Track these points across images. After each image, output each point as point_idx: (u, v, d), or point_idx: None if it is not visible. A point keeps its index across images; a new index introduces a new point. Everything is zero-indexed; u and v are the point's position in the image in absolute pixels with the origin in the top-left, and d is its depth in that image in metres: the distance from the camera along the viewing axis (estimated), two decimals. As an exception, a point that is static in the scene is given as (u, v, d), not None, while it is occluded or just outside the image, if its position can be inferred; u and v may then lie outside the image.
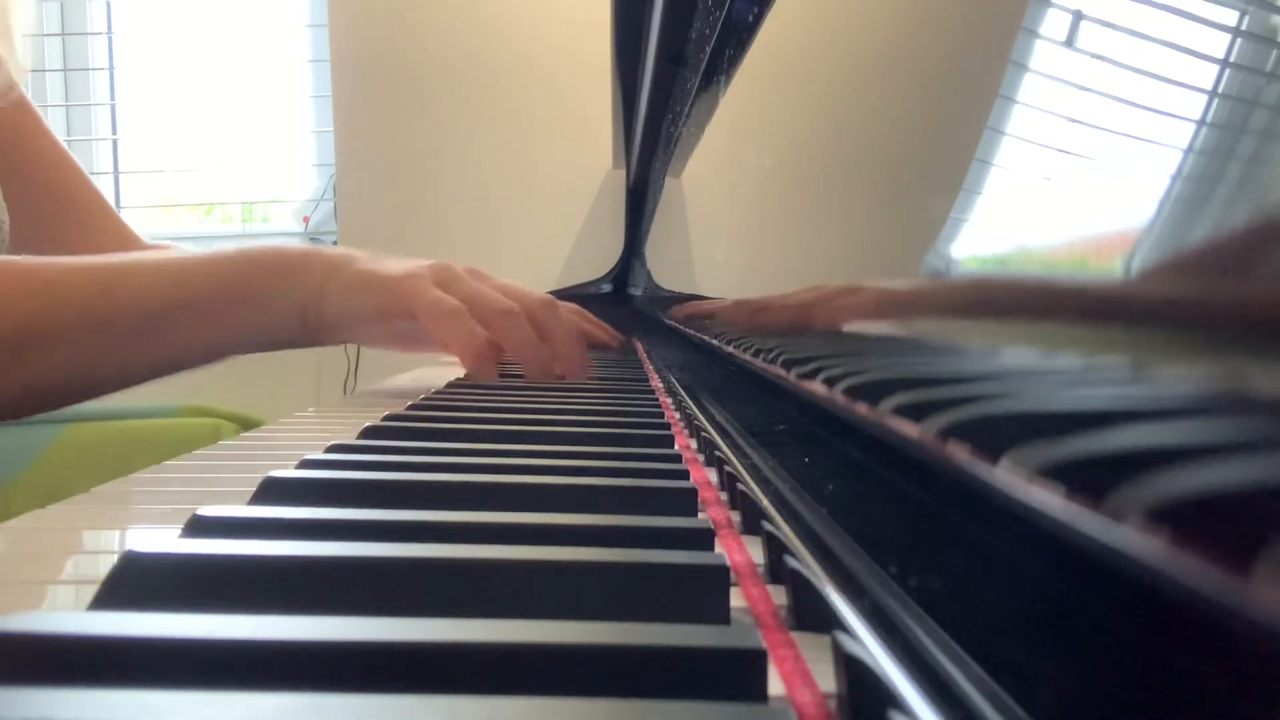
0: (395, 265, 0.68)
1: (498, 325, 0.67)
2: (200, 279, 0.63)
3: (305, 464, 0.34)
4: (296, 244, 0.70)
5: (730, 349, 0.50)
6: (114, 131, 2.03)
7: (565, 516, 0.27)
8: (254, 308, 0.64)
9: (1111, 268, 0.16)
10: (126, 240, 0.92)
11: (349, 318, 0.66)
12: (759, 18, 0.56)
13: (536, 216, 1.78)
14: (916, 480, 0.24)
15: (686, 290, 0.81)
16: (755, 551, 0.29)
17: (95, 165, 2.02)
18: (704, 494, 0.36)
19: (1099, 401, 0.15)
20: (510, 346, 0.68)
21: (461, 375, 0.74)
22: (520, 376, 0.72)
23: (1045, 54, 0.19)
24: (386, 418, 0.46)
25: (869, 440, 0.28)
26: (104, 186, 2.01)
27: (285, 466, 0.33)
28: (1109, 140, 0.16)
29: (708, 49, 0.73)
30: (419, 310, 0.65)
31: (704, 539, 0.25)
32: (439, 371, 0.96)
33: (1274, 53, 0.13)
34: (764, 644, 0.17)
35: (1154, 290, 0.14)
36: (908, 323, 0.25)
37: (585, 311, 1.02)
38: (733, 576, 0.26)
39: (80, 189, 0.90)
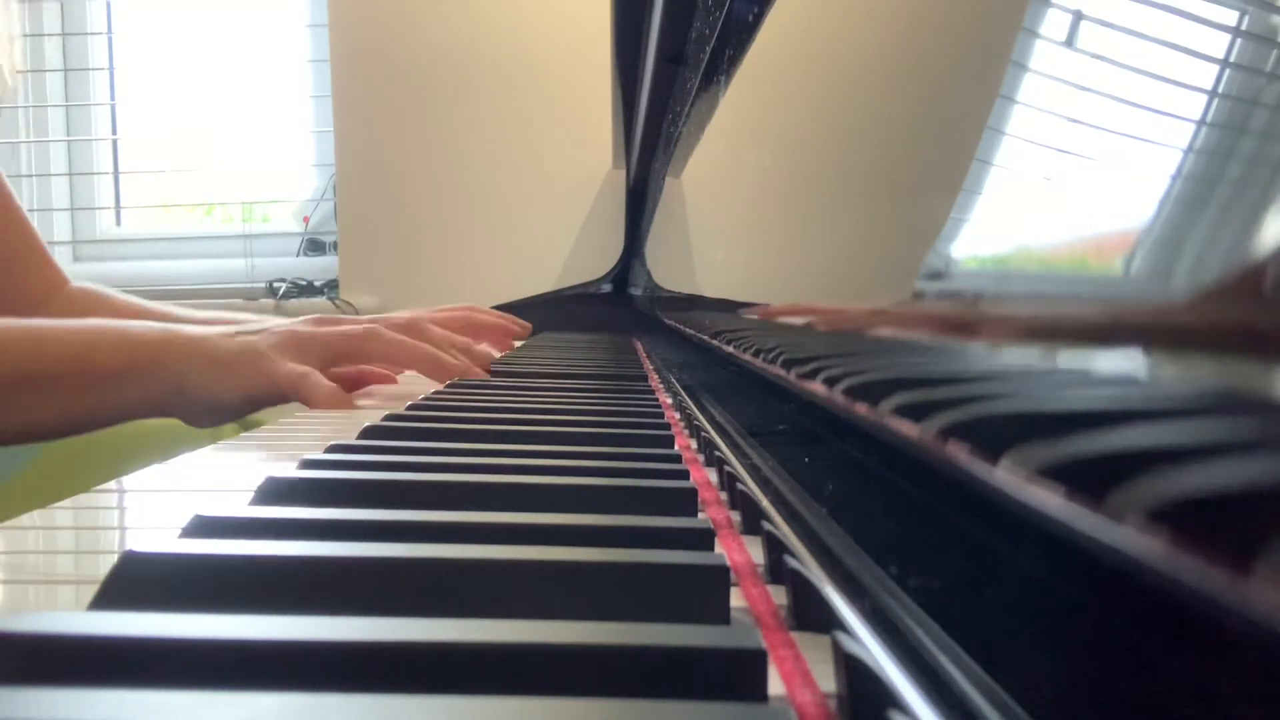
0: (249, 344, 0.68)
1: (371, 351, 0.70)
2: (48, 354, 0.64)
3: (305, 464, 0.34)
4: (160, 327, 0.68)
5: (730, 349, 0.50)
6: (114, 131, 2.03)
7: (565, 516, 0.27)
8: (103, 389, 0.64)
9: (1111, 268, 0.16)
10: (53, 281, 0.91)
11: (216, 408, 0.67)
12: (759, 18, 0.56)
13: (536, 216, 1.78)
14: (916, 480, 0.24)
15: (686, 290, 0.81)
16: (755, 551, 0.29)
17: (95, 165, 2.02)
18: (704, 494, 0.36)
19: (1099, 401, 0.15)
20: (398, 360, 0.71)
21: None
22: (520, 375, 0.72)
23: (1045, 54, 0.19)
24: (386, 418, 0.46)
25: (869, 440, 0.28)
26: (104, 186, 2.01)
27: (285, 466, 0.33)
28: (1109, 140, 0.16)
29: (708, 49, 0.73)
30: (276, 389, 0.66)
31: (704, 539, 0.25)
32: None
33: (1274, 53, 0.13)
34: (764, 644, 0.17)
35: (1154, 290, 0.14)
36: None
37: (477, 307, 1.04)
38: (733, 576, 0.26)
39: (10, 226, 0.89)
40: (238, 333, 0.69)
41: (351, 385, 0.76)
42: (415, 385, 0.77)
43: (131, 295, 0.94)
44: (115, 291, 0.94)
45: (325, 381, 0.68)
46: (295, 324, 0.71)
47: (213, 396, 0.66)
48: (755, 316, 0.45)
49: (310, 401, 0.67)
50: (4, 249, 0.88)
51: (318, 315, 0.73)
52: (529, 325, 1.11)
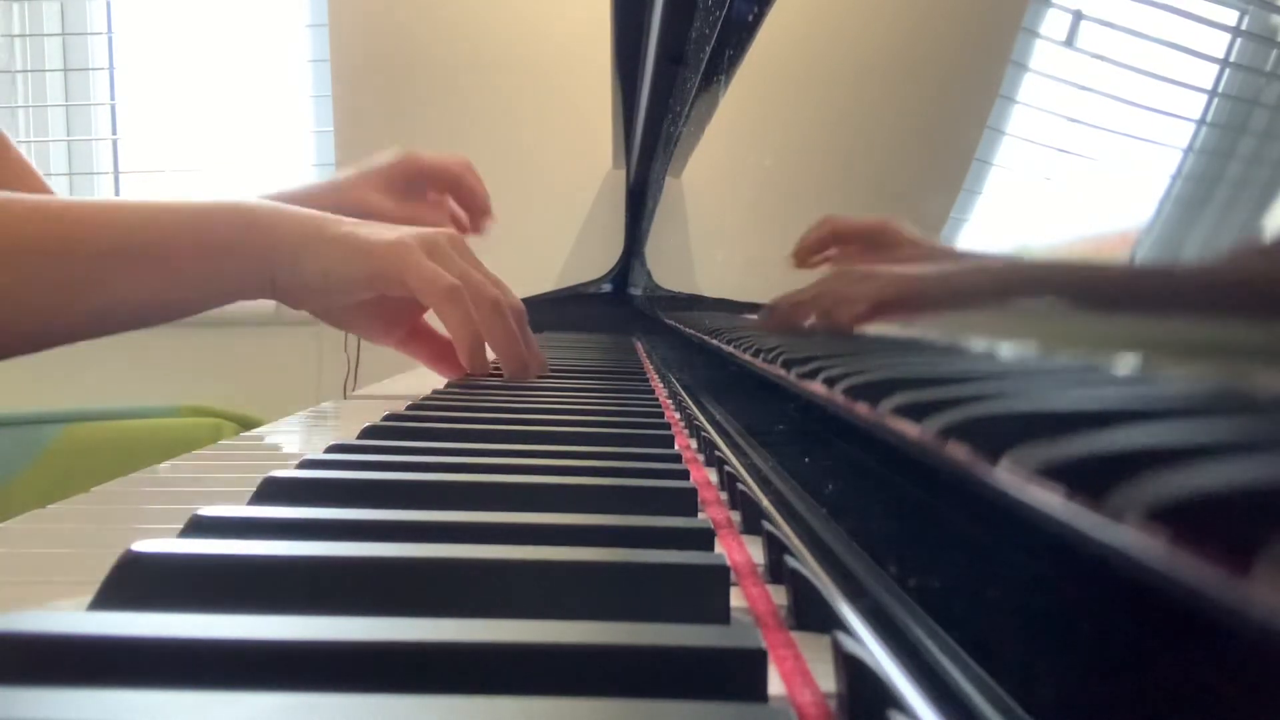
0: (380, 230, 0.63)
1: (484, 314, 0.64)
2: (161, 222, 0.59)
3: (305, 464, 0.34)
4: (279, 205, 0.63)
5: (730, 349, 0.50)
6: (114, 131, 2.03)
7: (565, 516, 0.27)
8: (217, 259, 0.60)
9: (1111, 267, 0.16)
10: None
11: (331, 281, 0.61)
12: (759, 18, 0.56)
13: (536, 216, 1.78)
14: (916, 480, 0.24)
15: (686, 290, 0.81)
16: (755, 551, 0.29)
17: (95, 165, 2.02)
18: (704, 494, 0.36)
19: (1099, 401, 0.15)
20: (493, 340, 0.65)
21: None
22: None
23: (1045, 54, 0.19)
24: (386, 418, 0.46)
25: (869, 440, 0.28)
26: (104, 186, 2.02)
27: (285, 466, 0.33)
28: (1109, 140, 0.16)
29: (708, 49, 0.73)
30: (415, 282, 0.61)
31: (704, 539, 0.25)
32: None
33: (1274, 53, 0.13)
34: (764, 644, 0.17)
35: (1154, 290, 0.14)
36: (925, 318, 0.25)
37: (460, 176, 1.00)
38: (733, 576, 0.26)
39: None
40: (361, 223, 0.64)
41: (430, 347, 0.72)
42: (414, 386, 0.77)
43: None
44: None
45: (474, 313, 0.62)
46: (433, 230, 0.65)
47: (331, 269, 0.61)
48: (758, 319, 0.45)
49: (448, 319, 0.61)
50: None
51: (451, 234, 0.66)
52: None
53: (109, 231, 0.57)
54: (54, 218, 0.56)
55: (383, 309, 0.68)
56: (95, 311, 0.58)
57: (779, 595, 0.24)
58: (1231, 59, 0.13)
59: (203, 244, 0.59)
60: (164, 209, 0.60)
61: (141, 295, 0.59)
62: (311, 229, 0.62)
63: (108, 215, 0.58)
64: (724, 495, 0.37)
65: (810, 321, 0.35)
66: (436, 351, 0.73)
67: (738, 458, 0.41)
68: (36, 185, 0.82)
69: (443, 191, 0.90)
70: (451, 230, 0.67)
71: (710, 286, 0.68)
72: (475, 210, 1.00)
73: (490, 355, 0.67)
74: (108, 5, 2.01)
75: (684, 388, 0.71)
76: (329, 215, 0.64)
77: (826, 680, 0.19)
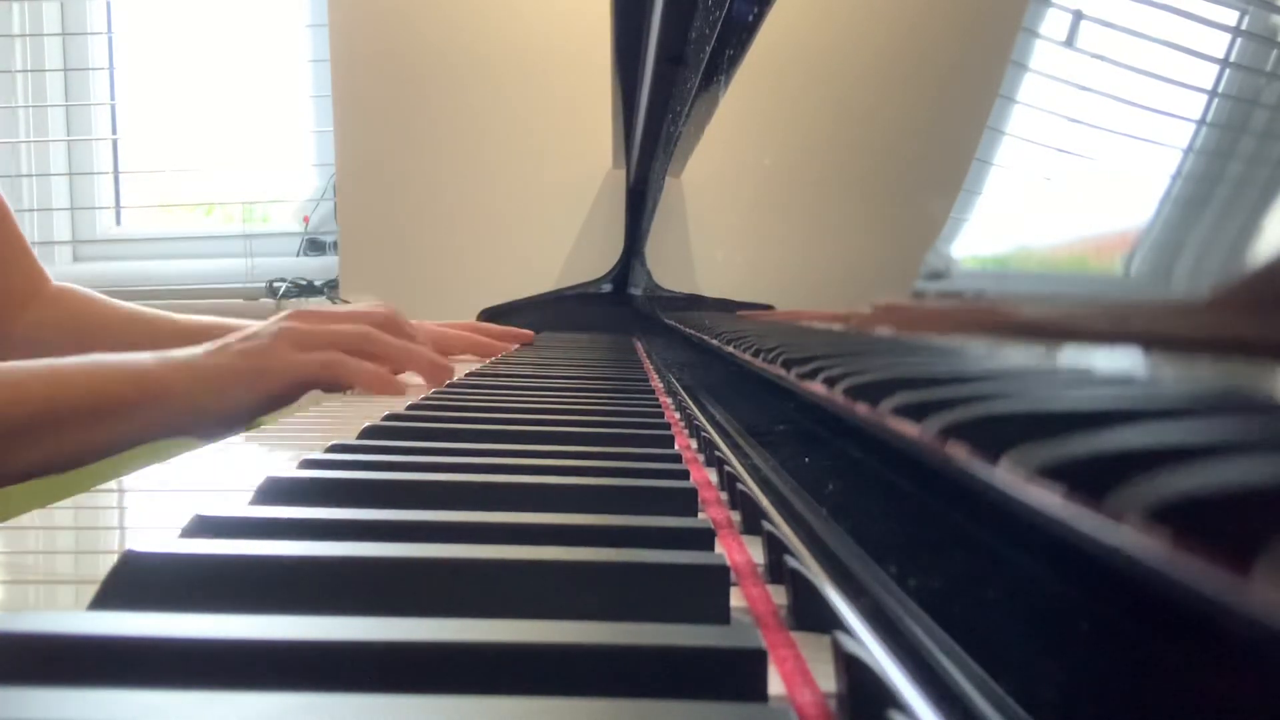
0: (245, 350, 0.69)
1: (371, 353, 0.70)
2: (62, 394, 0.65)
3: (305, 464, 0.34)
4: (164, 355, 0.69)
5: (730, 349, 0.50)
6: (114, 131, 2.03)
7: (565, 516, 0.27)
8: (117, 421, 0.65)
9: (1111, 268, 0.16)
10: (37, 280, 0.92)
11: (232, 412, 0.67)
12: (759, 18, 0.56)
13: (536, 216, 1.78)
14: (916, 480, 0.24)
15: (686, 290, 0.81)
16: (755, 551, 0.29)
17: (95, 165, 2.02)
18: (704, 494, 0.36)
19: (1099, 401, 0.15)
20: (395, 363, 0.72)
21: (461, 374, 0.74)
22: (519, 377, 0.72)
23: (1045, 54, 0.19)
24: (386, 417, 0.46)
25: (869, 440, 0.28)
26: (104, 186, 2.01)
27: (286, 466, 0.33)
28: (1109, 140, 0.16)
29: (708, 49, 0.73)
30: (304, 377, 0.68)
31: (704, 539, 0.25)
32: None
33: (1274, 53, 0.13)
34: (764, 644, 0.17)
35: (1154, 290, 0.14)
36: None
37: (481, 325, 1.09)
38: (733, 576, 0.26)
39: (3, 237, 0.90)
40: (228, 344, 0.70)
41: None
42: (415, 386, 0.77)
43: (107, 296, 0.94)
44: (93, 292, 0.94)
45: (368, 364, 0.69)
46: (283, 321, 0.71)
47: (229, 408, 0.67)
48: (762, 321, 0.45)
49: (352, 381, 0.67)
50: None
51: (299, 310, 0.74)
52: (532, 335, 1.14)
53: (16, 409, 0.63)
54: None
55: (293, 397, 0.74)
56: (12, 470, 0.65)
57: (779, 595, 0.24)
58: (1231, 59, 0.13)
59: (102, 409, 0.65)
60: (63, 377, 0.66)
61: (53, 454, 0.65)
62: (196, 377, 0.68)
63: (13, 392, 0.64)
64: (724, 495, 0.37)
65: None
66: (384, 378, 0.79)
67: (738, 458, 0.41)
68: (26, 264, 0.86)
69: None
70: (289, 313, 0.74)
71: (710, 286, 0.68)
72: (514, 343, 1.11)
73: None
74: (108, 5, 2.01)
75: (684, 388, 0.71)
76: (202, 354, 0.69)
77: (826, 680, 0.19)
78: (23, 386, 0.64)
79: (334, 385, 0.70)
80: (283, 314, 0.73)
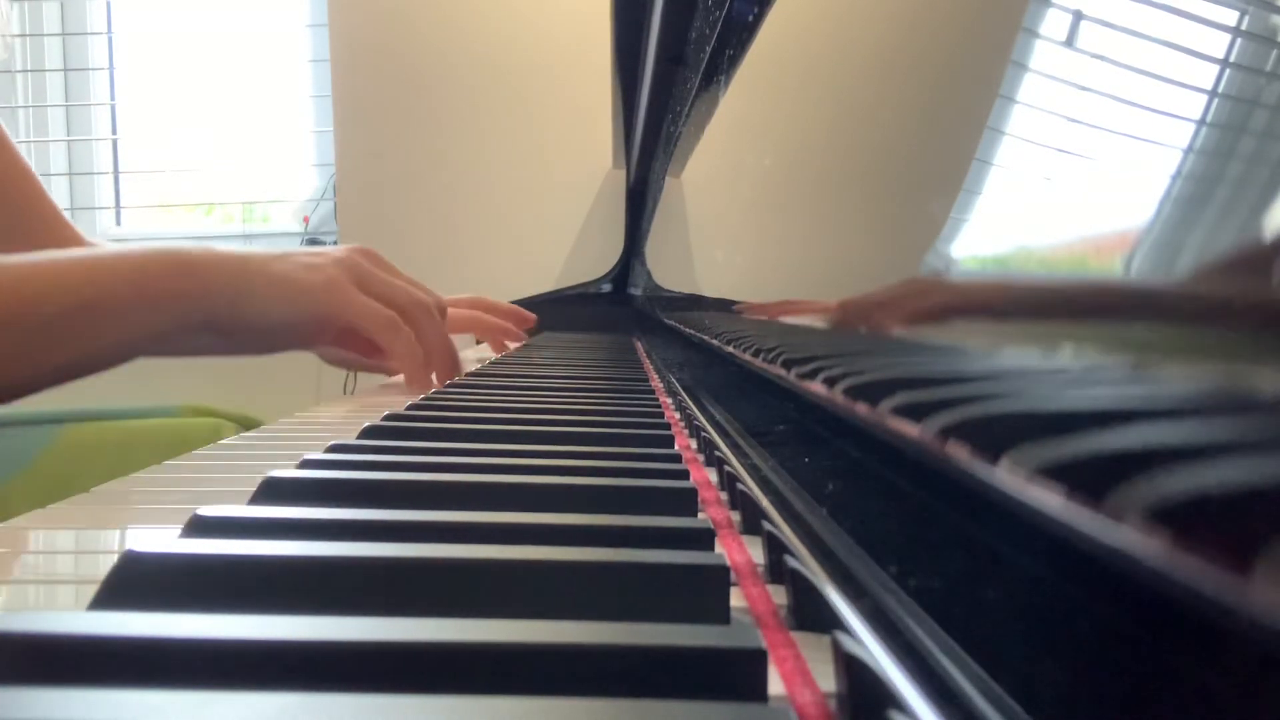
0: (307, 269, 0.66)
1: (422, 325, 0.67)
2: (103, 279, 0.61)
3: (305, 464, 0.34)
4: (210, 246, 0.65)
5: (730, 349, 0.50)
6: (114, 131, 2.03)
7: (565, 516, 0.27)
8: (155, 309, 0.62)
9: (1111, 268, 0.16)
10: (71, 241, 0.88)
11: (271, 328, 0.64)
12: (759, 18, 0.56)
13: (536, 216, 1.78)
14: (916, 480, 0.24)
15: (686, 290, 0.81)
16: (755, 551, 0.29)
17: (95, 165, 2.02)
18: (704, 494, 0.36)
19: (1099, 401, 0.15)
20: (429, 348, 0.69)
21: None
22: (519, 377, 0.72)
23: (1045, 54, 0.19)
24: (386, 417, 0.46)
25: (869, 440, 0.28)
26: (104, 186, 2.02)
27: (285, 466, 0.33)
28: (1109, 140, 0.16)
29: (708, 49, 0.73)
30: (357, 320, 0.64)
31: (704, 539, 0.25)
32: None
33: (1274, 53, 0.13)
34: (764, 644, 0.17)
35: (1154, 290, 0.14)
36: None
37: (485, 301, 1.03)
38: (733, 576, 0.26)
39: (33, 199, 0.87)
40: (290, 254, 0.66)
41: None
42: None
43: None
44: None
45: (415, 342, 0.65)
46: (351, 252, 0.67)
47: (270, 313, 0.63)
48: (760, 317, 0.45)
49: (397, 354, 0.64)
50: (33, 219, 0.85)
51: (367, 249, 0.69)
52: (534, 317, 1.11)
53: (53, 298, 0.59)
54: (7, 286, 0.59)
55: (340, 337, 0.70)
56: (46, 371, 0.61)
57: (779, 595, 0.24)
58: (1231, 59, 0.13)
59: (144, 293, 0.62)
60: (102, 263, 0.62)
61: (88, 352, 0.61)
62: (245, 273, 0.64)
63: (50, 280, 0.60)
64: (724, 495, 0.37)
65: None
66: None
67: (738, 458, 0.41)
68: (30, 189, 0.83)
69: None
70: (363, 248, 0.70)
71: (710, 286, 0.68)
72: (515, 324, 1.08)
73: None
74: (108, 5, 2.01)
75: (684, 388, 0.71)
76: (256, 254, 0.66)
77: (826, 680, 0.19)
78: (61, 275, 0.60)
79: (367, 352, 0.66)
80: (349, 246, 0.69)
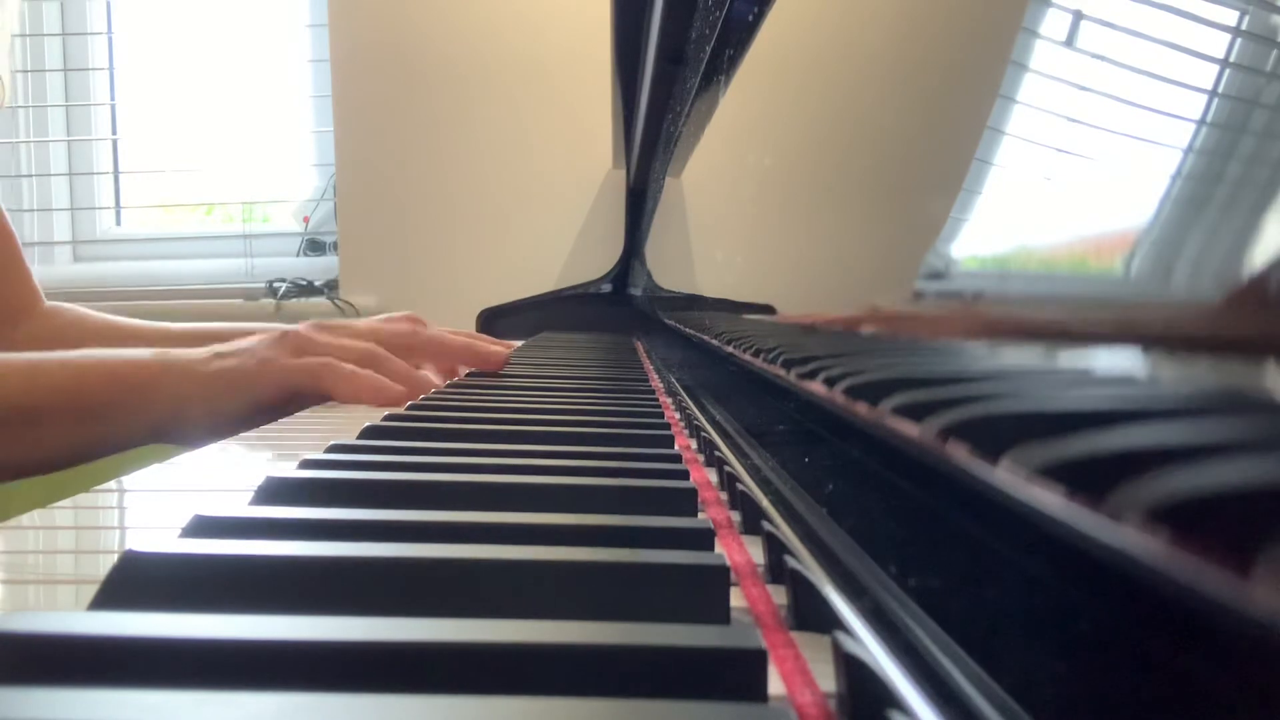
0: (243, 352, 0.66)
1: (367, 363, 0.67)
2: (46, 386, 0.62)
3: (305, 464, 0.34)
4: (161, 354, 0.66)
5: (730, 349, 0.50)
6: (114, 131, 2.03)
7: (565, 516, 0.27)
8: (94, 421, 0.62)
9: (1111, 268, 0.16)
10: (29, 297, 0.90)
11: (223, 419, 0.64)
12: (759, 18, 0.56)
13: (536, 216, 1.78)
14: (916, 480, 0.24)
15: (686, 290, 0.81)
16: (755, 551, 0.29)
17: (95, 165, 2.02)
18: (704, 494, 0.36)
19: (1099, 401, 0.15)
20: (392, 379, 0.68)
21: (461, 375, 0.74)
22: (519, 377, 0.72)
23: (1045, 54, 0.19)
24: (387, 417, 0.46)
25: (869, 440, 0.28)
26: (104, 186, 2.01)
27: (285, 466, 0.33)
28: (1109, 140, 0.16)
29: (708, 49, 0.73)
30: (295, 382, 0.65)
31: (704, 539, 0.25)
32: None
33: (1274, 53, 0.13)
34: (764, 644, 0.17)
35: (1154, 290, 0.14)
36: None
37: (467, 335, 0.99)
38: (733, 576, 0.26)
39: (7, 263, 0.87)
40: (229, 349, 0.67)
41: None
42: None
43: (104, 314, 0.91)
44: (87, 309, 0.92)
45: (361, 371, 0.65)
46: (292, 328, 0.69)
47: (218, 411, 0.64)
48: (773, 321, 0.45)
49: (339, 392, 0.64)
50: None
51: (318, 321, 0.71)
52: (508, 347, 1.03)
53: None
54: None
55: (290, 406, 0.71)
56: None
57: (779, 595, 0.24)
58: (1231, 59, 0.13)
59: (81, 406, 0.62)
60: (44, 370, 0.63)
61: (22, 456, 0.62)
62: (189, 378, 0.65)
63: None
64: (724, 495, 0.37)
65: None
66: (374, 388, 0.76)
67: (738, 458, 0.41)
68: (24, 281, 0.85)
69: (446, 366, 0.91)
70: (311, 321, 0.71)
71: (710, 286, 0.68)
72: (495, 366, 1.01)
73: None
74: (108, 5, 2.01)
75: (684, 388, 0.71)
76: (193, 355, 0.67)
77: (826, 680, 0.19)
78: (2, 378, 0.61)
79: (321, 394, 0.68)
80: (298, 325, 0.70)
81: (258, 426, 0.69)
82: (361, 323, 0.75)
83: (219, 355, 0.67)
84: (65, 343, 0.84)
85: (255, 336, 0.69)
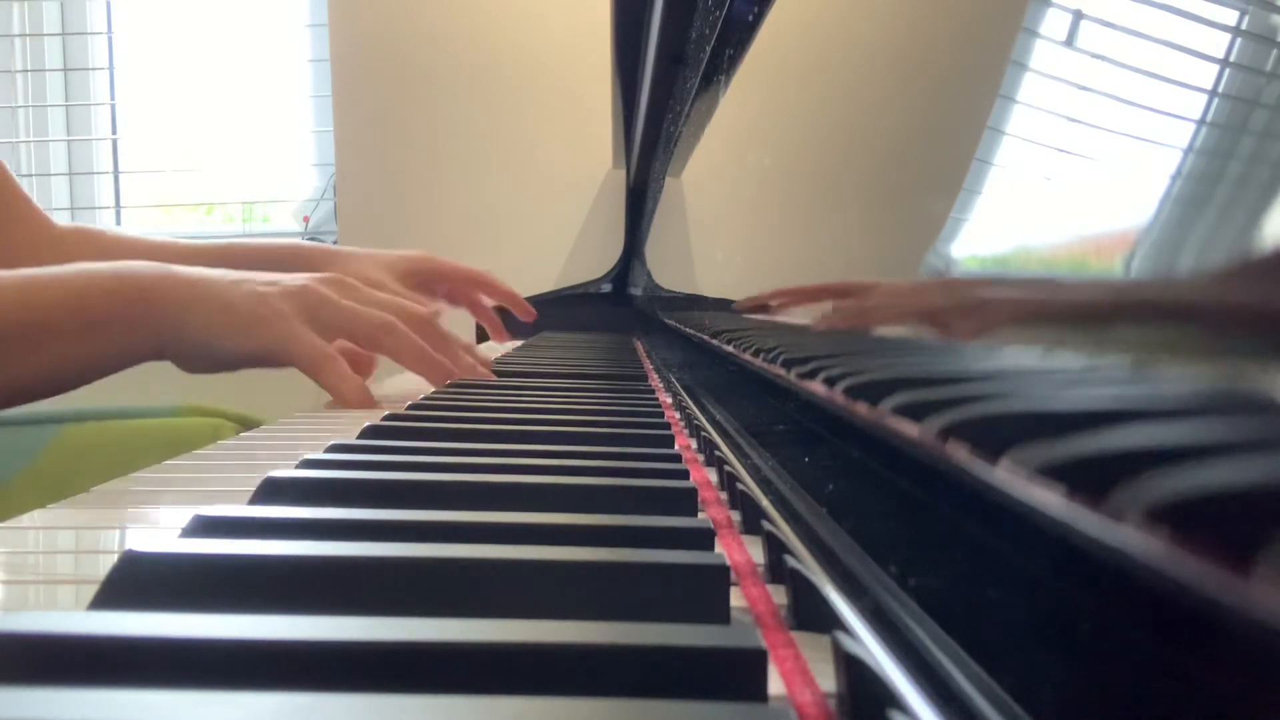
0: (258, 297, 0.64)
1: (383, 343, 0.66)
2: (37, 301, 0.59)
3: (305, 464, 0.34)
4: (166, 268, 0.63)
5: (730, 349, 0.50)
6: (114, 131, 2.03)
7: (565, 516, 0.27)
8: (96, 333, 0.60)
9: (1111, 268, 0.16)
10: (39, 227, 0.86)
11: (222, 354, 0.63)
12: (759, 18, 0.56)
13: (536, 216, 1.78)
14: (916, 480, 0.24)
15: (686, 290, 0.81)
16: (755, 551, 0.29)
17: (95, 165, 2.02)
18: (704, 494, 0.36)
19: (1099, 401, 0.15)
20: (404, 361, 0.68)
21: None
22: (519, 376, 0.72)
23: (1045, 54, 0.19)
24: (386, 417, 0.46)
25: (869, 440, 0.28)
26: (104, 186, 2.01)
27: (285, 466, 0.33)
28: (1109, 140, 0.16)
29: (708, 49, 0.73)
30: (292, 358, 0.63)
31: (704, 539, 0.25)
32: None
33: (1274, 53, 0.13)
34: (764, 644, 0.17)
35: (1154, 290, 0.14)
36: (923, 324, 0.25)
37: (483, 279, 0.98)
38: (733, 576, 0.26)
39: None
40: (245, 280, 0.65)
41: (363, 368, 0.74)
42: (415, 386, 0.77)
43: (129, 231, 0.89)
44: (108, 228, 0.89)
45: (352, 375, 0.64)
46: (314, 280, 0.66)
47: (213, 343, 0.62)
48: (753, 309, 0.45)
49: (332, 389, 0.63)
50: None
51: (335, 276, 0.69)
52: (533, 313, 1.05)
53: None
54: None
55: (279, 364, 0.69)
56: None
57: (779, 595, 0.24)
58: (1231, 59, 0.13)
59: (82, 320, 0.59)
60: (40, 285, 0.60)
61: (23, 376, 0.59)
62: (195, 298, 0.62)
63: None
64: (724, 495, 0.37)
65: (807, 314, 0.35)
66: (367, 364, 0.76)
67: (738, 458, 0.41)
68: (29, 212, 0.83)
69: (465, 294, 0.91)
70: (329, 275, 0.69)
71: (710, 286, 0.68)
72: (515, 305, 1.02)
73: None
74: (108, 5, 2.01)
75: (684, 388, 0.71)
76: (211, 277, 0.64)
77: (826, 680, 0.19)
78: (2, 291, 0.58)
79: (325, 385, 0.66)
80: (321, 276, 0.67)
81: (253, 366, 0.67)
82: (385, 296, 0.71)
83: (234, 283, 0.64)
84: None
85: (275, 276, 0.66)
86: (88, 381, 0.62)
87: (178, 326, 0.62)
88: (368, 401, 0.65)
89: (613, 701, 0.16)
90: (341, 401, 0.65)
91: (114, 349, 0.61)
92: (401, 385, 0.81)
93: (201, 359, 0.63)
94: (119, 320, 0.60)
